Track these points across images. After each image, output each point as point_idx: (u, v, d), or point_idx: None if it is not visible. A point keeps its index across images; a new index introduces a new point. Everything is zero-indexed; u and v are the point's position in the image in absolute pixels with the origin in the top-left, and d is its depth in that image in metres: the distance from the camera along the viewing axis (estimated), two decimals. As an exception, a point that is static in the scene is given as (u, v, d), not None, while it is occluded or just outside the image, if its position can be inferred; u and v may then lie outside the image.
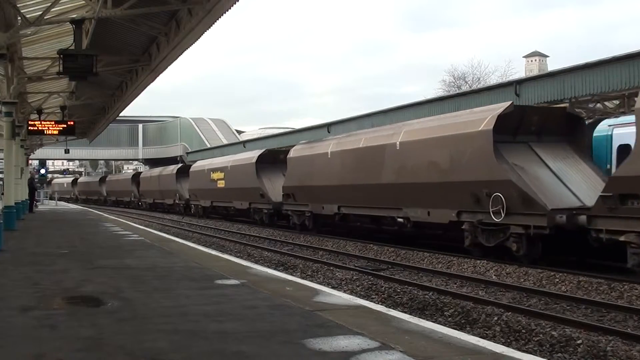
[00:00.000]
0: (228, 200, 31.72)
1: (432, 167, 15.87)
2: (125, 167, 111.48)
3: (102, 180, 67.24)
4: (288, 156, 25.00)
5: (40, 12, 13.32)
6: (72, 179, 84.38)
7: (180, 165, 44.98)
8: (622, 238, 11.32)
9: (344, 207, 20.45)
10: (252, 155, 29.28)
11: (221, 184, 32.06)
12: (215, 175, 33.12)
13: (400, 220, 17.50)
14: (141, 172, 55.46)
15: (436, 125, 16.42)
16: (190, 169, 38.90)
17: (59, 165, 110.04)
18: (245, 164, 28.94)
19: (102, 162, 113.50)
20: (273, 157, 28.26)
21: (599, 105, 24.04)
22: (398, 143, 17.25)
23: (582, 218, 12.21)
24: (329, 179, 21.05)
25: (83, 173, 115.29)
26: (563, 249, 13.50)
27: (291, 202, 24.07)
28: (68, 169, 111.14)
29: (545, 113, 15.54)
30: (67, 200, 72.77)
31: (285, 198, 24.42)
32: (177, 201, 41.35)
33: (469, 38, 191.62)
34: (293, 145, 28.00)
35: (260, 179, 27.17)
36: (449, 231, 16.42)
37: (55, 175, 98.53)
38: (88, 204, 63.24)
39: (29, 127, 23.85)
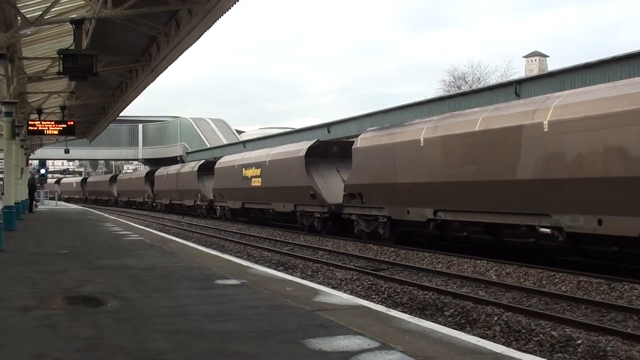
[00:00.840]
0: (265, 202, 26.82)
1: (611, 156, 11.35)
2: (125, 167, 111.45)
3: (113, 179, 62.71)
4: (354, 146, 20.08)
5: (40, 12, 13.31)
6: (82, 178, 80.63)
7: (202, 161, 39.51)
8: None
9: (444, 211, 15.54)
10: (299, 147, 24.25)
11: (256, 182, 27.43)
12: (248, 172, 28.33)
13: (545, 230, 12.84)
14: (156, 170, 49.12)
15: (617, 96, 11.60)
16: (216, 166, 33.93)
17: (59, 165, 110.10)
18: (290, 157, 24.31)
19: (102, 162, 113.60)
20: (325, 149, 23.61)
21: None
22: (546, 123, 12.54)
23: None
24: (420, 174, 16.26)
25: (83, 173, 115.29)
26: None
27: (356, 204, 19.52)
28: (68, 169, 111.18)
29: None
30: (77, 201, 70.11)
31: (346, 199, 20.09)
32: (198, 202, 37.04)
33: (468, 38, 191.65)
34: (345, 136, 27.52)
35: (311, 175, 22.57)
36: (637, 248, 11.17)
37: (64, 175, 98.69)
38: (98, 205, 60.31)
39: (29, 127, 23.84)
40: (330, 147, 23.95)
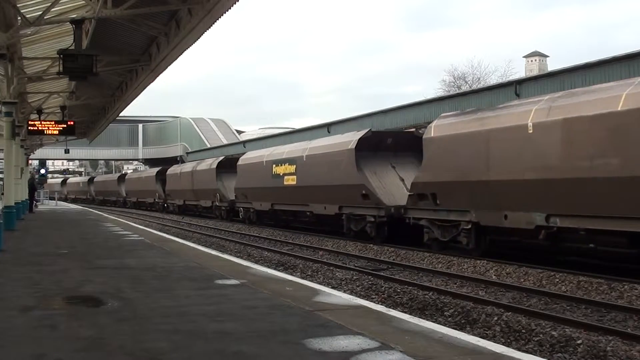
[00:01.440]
0: (300, 203, 23.33)
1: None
2: (125, 167, 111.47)
3: (121, 178, 58.53)
4: (427, 136, 16.60)
5: (40, 12, 13.31)
6: (89, 178, 75.99)
7: (221, 158, 35.51)
8: (421, 222, 16.60)
9: (562, 217, 12.27)
10: (347, 138, 20.68)
11: (290, 180, 23.85)
12: (280, 169, 24.84)
13: None
14: (168, 168, 45.00)
15: None
16: (239, 162, 30.46)
17: (59, 165, 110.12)
18: (336, 151, 20.78)
19: (102, 162, 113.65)
20: (378, 141, 19.88)
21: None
22: None
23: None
24: (527, 168, 12.89)
25: (83, 173, 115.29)
26: None
27: (428, 206, 16.15)
28: (68, 169, 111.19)
29: None
30: (83, 202, 67.02)
31: (413, 200, 16.78)
32: (217, 203, 33.41)
33: (469, 38, 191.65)
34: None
35: (362, 172, 19.06)
36: None
37: (64, 174, 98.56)
38: (105, 207, 56.69)
39: (29, 127, 23.85)
40: (383, 139, 20.03)
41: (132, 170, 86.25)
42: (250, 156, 30.26)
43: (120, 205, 56.05)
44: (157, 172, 46.80)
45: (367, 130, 20.22)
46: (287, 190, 24.15)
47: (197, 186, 36.22)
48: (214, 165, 33.67)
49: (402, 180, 18.72)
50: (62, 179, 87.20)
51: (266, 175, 26.09)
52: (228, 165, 32.65)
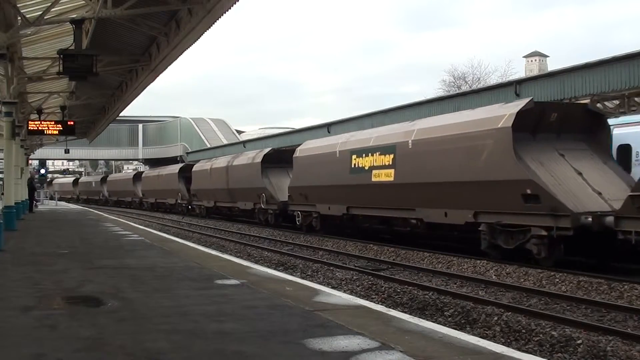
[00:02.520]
0: (401, 207, 17.02)
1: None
2: (125, 167, 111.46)
3: (137, 177, 52.71)
4: None
5: (40, 12, 13.32)
6: (101, 177, 69.49)
7: (268, 150, 28.76)
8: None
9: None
10: (491, 113, 14.55)
11: (383, 176, 17.62)
12: (364, 161, 18.73)
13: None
14: (193, 164, 39.50)
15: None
16: (297, 154, 23.77)
17: (59, 165, 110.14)
18: (472, 133, 14.58)
19: (102, 162, 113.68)
20: (538, 117, 13.87)
21: (598, 105, 24.04)
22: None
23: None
24: None
25: (83, 173, 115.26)
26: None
27: None
28: (68, 169, 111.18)
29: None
30: (96, 203, 62.89)
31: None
32: (262, 206, 26.97)
33: (468, 38, 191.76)
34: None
35: (523, 162, 13.20)
36: None
37: (71, 174, 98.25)
38: (119, 207, 53.74)
39: (29, 127, 23.85)
40: (546, 113, 14.07)
41: (131, 170, 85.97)
42: (314, 145, 23.51)
43: (135, 207, 51.28)
44: (180, 169, 40.63)
45: (527, 100, 14.00)
46: (377, 189, 17.99)
47: (234, 185, 30.14)
48: (259, 159, 27.28)
49: (580, 174, 13.28)
50: (73, 179, 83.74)
51: (340, 169, 19.93)
52: (276, 159, 26.95)
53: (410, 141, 16.68)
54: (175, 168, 42.89)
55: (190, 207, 39.05)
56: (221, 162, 33.62)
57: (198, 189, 36.63)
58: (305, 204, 22.57)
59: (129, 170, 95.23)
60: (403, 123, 19.74)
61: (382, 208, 18.19)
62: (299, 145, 25.28)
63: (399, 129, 18.26)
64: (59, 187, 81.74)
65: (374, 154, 18.29)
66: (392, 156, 17.39)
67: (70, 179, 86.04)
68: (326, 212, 21.18)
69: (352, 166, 19.43)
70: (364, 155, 18.88)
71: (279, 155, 27.43)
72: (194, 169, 37.72)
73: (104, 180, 64.72)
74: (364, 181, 18.67)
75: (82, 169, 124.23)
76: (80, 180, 76.89)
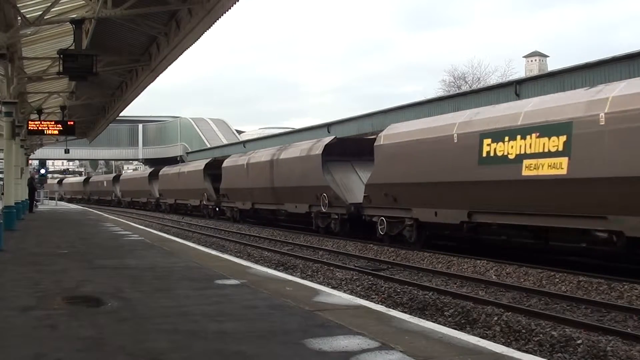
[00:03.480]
0: (579, 213, 12.04)
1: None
2: (125, 167, 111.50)
3: (153, 175, 47.61)
4: None
5: (40, 12, 13.31)
6: (114, 176, 65.26)
7: (330, 139, 22.48)
8: (374, 219, 18.32)
9: None
10: None
11: (548, 167, 12.47)
12: (510, 147, 13.41)
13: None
14: (223, 160, 33.73)
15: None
16: (381, 141, 18.23)
17: (59, 165, 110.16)
18: None
19: (102, 162, 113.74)
20: None
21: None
22: None
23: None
24: None
25: (83, 173, 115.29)
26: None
27: None
28: (68, 169, 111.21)
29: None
30: (109, 204, 59.18)
31: None
32: (323, 209, 21.32)
33: (468, 37, 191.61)
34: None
35: None
36: None
37: (71, 174, 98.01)
38: (135, 210, 49.97)
39: (29, 127, 23.84)
40: None
41: (131, 170, 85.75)
42: (409, 129, 17.58)
43: (151, 209, 47.55)
44: (206, 165, 35.04)
45: None
46: (530, 187, 12.78)
47: (281, 182, 24.71)
48: (319, 150, 21.40)
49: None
50: (84, 178, 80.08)
51: (459, 159, 14.56)
52: (339, 151, 21.56)
53: (602, 116, 11.36)
54: (199, 165, 36.60)
55: (218, 209, 33.30)
56: (263, 155, 27.77)
57: (230, 189, 30.69)
58: (394, 208, 17.27)
59: (129, 170, 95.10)
60: (577, 90, 14.25)
61: (537, 215, 12.91)
62: (365, 134, 24.43)
63: (573, 97, 12.74)
64: (69, 186, 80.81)
65: (527, 137, 12.95)
66: (564, 138, 12.10)
67: (81, 179, 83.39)
68: (430, 219, 15.96)
69: (483, 155, 13.99)
70: (506, 138, 13.42)
71: (343, 145, 21.97)
72: (224, 165, 31.84)
73: (116, 179, 59.22)
74: (505, 176, 13.32)
75: (82, 169, 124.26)
76: (91, 180, 70.67)
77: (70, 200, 69.14)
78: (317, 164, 21.41)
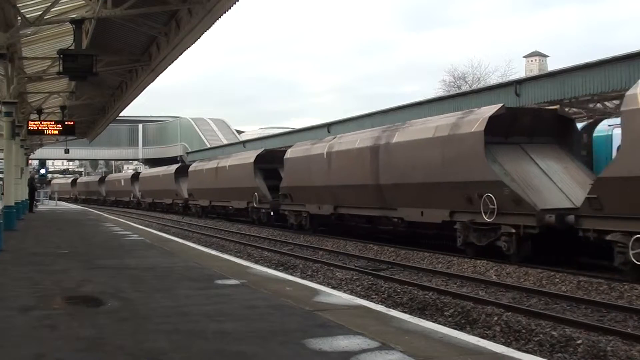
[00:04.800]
0: None
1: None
2: (125, 167, 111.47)
3: (181, 172, 40.35)
4: None
5: (40, 12, 13.31)
6: (132, 174, 58.38)
7: (496, 109, 14.43)
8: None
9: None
10: None
11: None
12: None
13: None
14: (284, 150, 27.01)
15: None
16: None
17: (59, 165, 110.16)
18: None
19: (102, 162, 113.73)
20: None
21: (599, 105, 24.05)
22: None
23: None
24: None
25: (83, 173, 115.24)
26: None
27: None
28: (68, 168, 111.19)
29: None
30: (127, 204, 54.88)
31: None
32: (486, 219, 13.87)
33: (468, 37, 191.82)
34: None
35: None
36: None
37: (71, 174, 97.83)
38: (156, 212, 44.30)
39: (29, 127, 23.86)
40: None
41: (131, 170, 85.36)
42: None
43: (179, 212, 40.49)
44: (257, 157, 28.40)
45: None
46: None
47: (390, 178, 17.38)
48: (476, 126, 14.33)
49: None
50: (99, 177, 72.29)
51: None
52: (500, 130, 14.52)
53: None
54: (247, 157, 30.25)
55: (272, 212, 27.75)
56: (358, 140, 19.76)
57: (295, 187, 23.51)
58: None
59: (129, 170, 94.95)
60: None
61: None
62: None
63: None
64: (58, 187, 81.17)
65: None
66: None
67: (68, 179, 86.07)
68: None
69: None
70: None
71: (511, 118, 15.03)
72: (288, 154, 24.91)
73: (135, 177, 54.26)
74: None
75: (82, 169, 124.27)
76: (107, 179, 65.89)
77: (59, 199, 66.48)
78: (475, 147, 14.23)
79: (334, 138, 22.02)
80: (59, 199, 65.46)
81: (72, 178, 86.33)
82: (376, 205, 18.33)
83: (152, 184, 47.49)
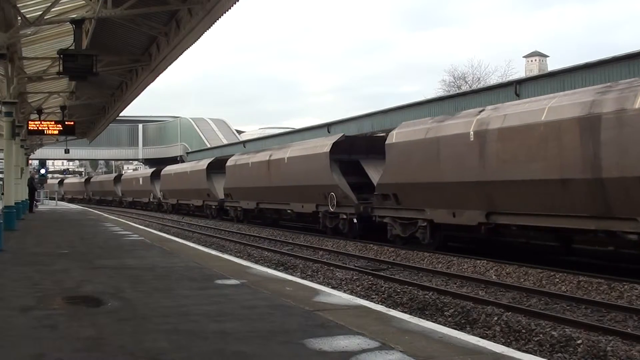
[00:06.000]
0: None
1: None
2: (125, 167, 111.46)
3: (216, 167, 33.94)
4: None
5: (40, 12, 13.31)
6: (152, 170, 51.32)
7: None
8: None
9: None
10: None
11: None
12: None
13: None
14: (391, 131, 18.81)
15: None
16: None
17: (59, 165, 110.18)
18: None
19: (102, 162, 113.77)
20: None
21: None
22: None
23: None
24: None
25: (83, 173, 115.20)
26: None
27: None
28: (68, 168, 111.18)
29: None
30: (146, 206, 49.45)
31: None
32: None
33: (468, 37, 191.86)
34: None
35: None
36: None
37: (71, 174, 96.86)
38: (185, 215, 38.81)
39: (29, 127, 23.84)
40: None
41: (132, 170, 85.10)
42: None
43: (211, 217, 34.56)
44: (333, 145, 21.18)
45: None
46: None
47: (553, 171, 12.49)
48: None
49: None
50: (115, 176, 65.18)
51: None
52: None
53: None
54: (322, 143, 22.93)
55: (357, 220, 20.43)
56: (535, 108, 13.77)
57: (409, 183, 17.00)
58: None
59: (128, 170, 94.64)
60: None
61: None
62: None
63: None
64: (70, 186, 79.73)
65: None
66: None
67: (82, 179, 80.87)
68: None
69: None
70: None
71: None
72: (394, 138, 17.31)
73: (155, 175, 47.63)
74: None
75: (82, 169, 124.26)
76: (123, 178, 59.05)
77: (70, 200, 66.32)
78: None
79: (482, 111, 14.91)
80: (99, 202, 62.13)
81: (116, 174, 72.74)
82: (586, 211, 11.91)
83: (178, 183, 40.28)
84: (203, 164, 35.86)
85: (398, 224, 17.46)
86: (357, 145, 21.79)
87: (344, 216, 20.47)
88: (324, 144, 22.04)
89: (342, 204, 20.39)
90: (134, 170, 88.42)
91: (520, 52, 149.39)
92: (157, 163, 65.94)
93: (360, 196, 19.82)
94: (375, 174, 19.84)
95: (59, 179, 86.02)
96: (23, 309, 6.81)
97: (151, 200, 47.44)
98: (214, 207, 34.09)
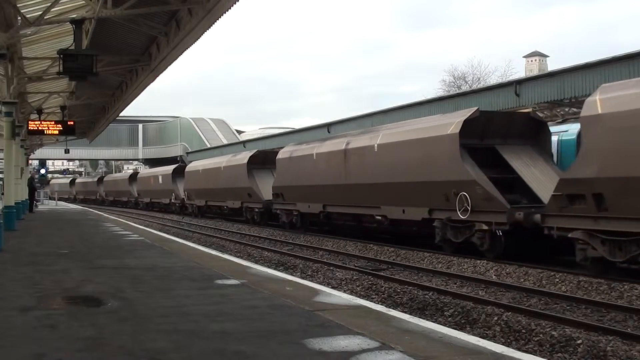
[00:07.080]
0: None
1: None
2: (125, 167, 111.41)
3: (254, 162, 29.07)
4: None
5: (40, 12, 13.32)
6: (174, 167, 44.11)
7: None
8: (570, 235, 11.94)
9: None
10: None
11: None
12: None
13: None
14: (592, 98, 11.65)
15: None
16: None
17: (59, 165, 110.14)
18: None
19: (102, 162, 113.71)
20: None
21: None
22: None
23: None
24: None
25: (83, 173, 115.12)
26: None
27: None
28: (68, 168, 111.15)
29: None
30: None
31: None
32: None
33: (468, 37, 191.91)
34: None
35: None
36: None
37: (71, 174, 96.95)
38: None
39: (29, 127, 23.85)
40: None
41: (132, 170, 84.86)
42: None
43: (255, 223, 28.66)
44: (463, 124, 15.02)
45: None
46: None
47: None
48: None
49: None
50: (131, 174, 58.16)
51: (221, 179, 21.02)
52: None
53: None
54: (242, 157, 27.94)
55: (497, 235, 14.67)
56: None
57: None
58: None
59: (129, 170, 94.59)
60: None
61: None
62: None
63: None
64: (58, 187, 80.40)
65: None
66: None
67: (94, 179, 78.87)
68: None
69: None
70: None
71: None
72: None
73: (177, 172, 42.07)
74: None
75: (82, 169, 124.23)
76: (139, 177, 54.11)
77: (59, 199, 62.43)
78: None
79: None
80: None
81: (99, 176, 76.58)
82: (361, 203, 15.36)
83: (207, 181, 34.52)
84: (242, 157, 30.28)
85: (599, 241, 11.52)
86: (492, 126, 15.67)
87: (484, 226, 14.36)
88: (446, 123, 15.66)
89: (481, 208, 14.35)
90: (133, 170, 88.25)
91: (520, 52, 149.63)
92: (157, 163, 65.96)
93: (507, 197, 14.17)
94: (521, 166, 14.78)
95: (70, 179, 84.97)
96: (23, 309, 6.81)
97: (173, 201, 41.80)
98: (257, 210, 28.48)
